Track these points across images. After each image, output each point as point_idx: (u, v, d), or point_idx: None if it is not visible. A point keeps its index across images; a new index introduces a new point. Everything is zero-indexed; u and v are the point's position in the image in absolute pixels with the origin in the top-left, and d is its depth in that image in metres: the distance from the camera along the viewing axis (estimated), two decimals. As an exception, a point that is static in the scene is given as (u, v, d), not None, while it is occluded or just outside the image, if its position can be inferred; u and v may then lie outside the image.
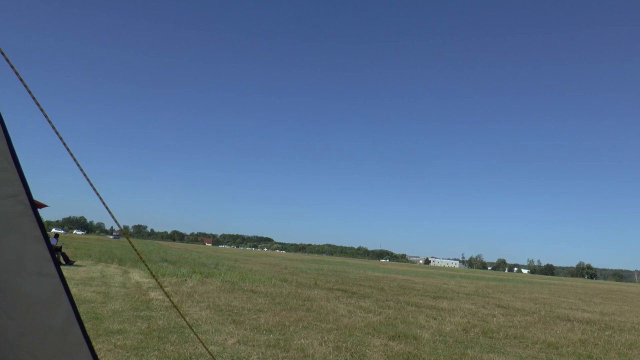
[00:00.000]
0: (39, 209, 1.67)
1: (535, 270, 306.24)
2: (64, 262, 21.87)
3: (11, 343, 1.52)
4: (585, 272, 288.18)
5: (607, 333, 12.86)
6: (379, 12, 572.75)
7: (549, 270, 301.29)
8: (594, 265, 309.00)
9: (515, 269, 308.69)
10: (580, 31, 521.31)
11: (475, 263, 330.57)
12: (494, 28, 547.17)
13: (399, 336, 9.63)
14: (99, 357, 1.78)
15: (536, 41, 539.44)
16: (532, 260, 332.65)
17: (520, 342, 10.29)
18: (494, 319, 13.92)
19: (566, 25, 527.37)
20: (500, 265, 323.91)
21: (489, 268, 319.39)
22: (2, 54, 1.66)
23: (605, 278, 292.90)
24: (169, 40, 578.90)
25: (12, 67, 1.73)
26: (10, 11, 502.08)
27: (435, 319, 12.84)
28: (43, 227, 1.67)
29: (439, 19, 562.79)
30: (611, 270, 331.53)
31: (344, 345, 8.25)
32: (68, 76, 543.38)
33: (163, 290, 2.54)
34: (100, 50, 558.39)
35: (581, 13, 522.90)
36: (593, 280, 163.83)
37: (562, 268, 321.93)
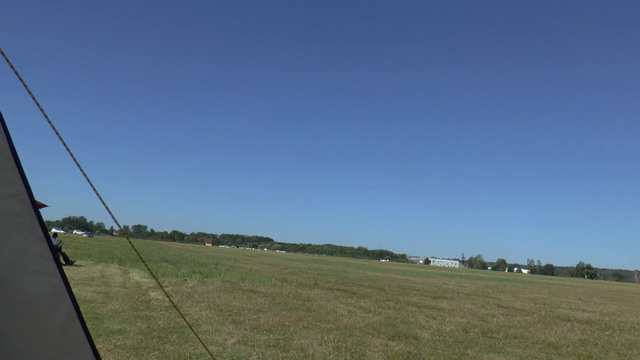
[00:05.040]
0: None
1: (535, 270, 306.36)
2: (64, 262, 21.87)
3: (12, 341, 1.52)
4: (585, 272, 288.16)
5: (607, 333, 12.86)
6: (380, 12, 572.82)
7: (549, 270, 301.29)
8: (594, 265, 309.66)
9: (515, 269, 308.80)
10: (580, 31, 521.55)
11: (475, 263, 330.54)
12: (493, 28, 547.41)
13: (399, 336, 9.62)
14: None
15: (536, 41, 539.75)
16: (532, 260, 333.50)
17: (520, 342, 10.29)
18: (494, 319, 13.92)
19: (566, 26, 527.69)
20: (500, 265, 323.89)
21: (489, 268, 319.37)
22: (2, 54, 1.66)
23: (605, 278, 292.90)
24: (169, 40, 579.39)
25: (12, 67, 1.73)
26: (10, 11, 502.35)
27: (435, 319, 12.83)
28: (44, 226, 1.66)
29: (440, 19, 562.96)
30: (611, 270, 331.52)
31: (344, 345, 8.25)
32: (68, 76, 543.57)
33: (163, 290, 2.54)
34: (100, 50, 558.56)
35: (581, 13, 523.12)
36: (593, 280, 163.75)
37: (562, 268, 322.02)
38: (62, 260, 21.78)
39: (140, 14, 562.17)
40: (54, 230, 71.77)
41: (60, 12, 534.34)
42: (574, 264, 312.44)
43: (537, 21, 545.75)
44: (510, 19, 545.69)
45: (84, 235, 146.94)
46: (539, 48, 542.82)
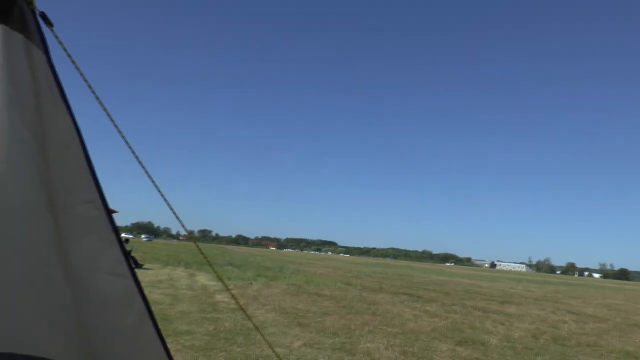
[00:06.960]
0: (109, 215, 1.74)
1: (608, 274, 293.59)
2: (133, 265, 22.60)
3: (87, 339, 1.58)
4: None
5: (689, 341, 12.18)
6: (380, 12, 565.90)
7: (623, 274, 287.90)
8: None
9: (586, 273, 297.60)
10: (582, 28, 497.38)
11: (542, 267, 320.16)
12: (494, 28, 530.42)
13: (466, 341, 9.44)
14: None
15: (536, 39, 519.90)
16: (605, 264, 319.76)
17: (594, 350, 9.89)
18: (565, 325, 13.44)
19: (567, 23, 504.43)
20: (569, 269, 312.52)
21: (558, 272, 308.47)
22: (68, 55, 1.72)
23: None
24: (169, 38, 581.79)
25: (77, 68, 1.78)
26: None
27: (502, 324, 12.52)
28: (117, 231, 1.73)
29: (440, 19, 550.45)
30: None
31: (411, 350, 8.16)
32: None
33: (230, 292, 2.57)
34: (100, 50, 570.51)
35: (581, 11, 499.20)
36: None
37: (638, 272, 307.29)
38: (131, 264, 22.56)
39: (140, 14, 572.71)
40: (123, 235, 74.21)
41: (59, 12, 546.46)
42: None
43: (537, 21, 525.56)
44: (510, 19, 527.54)
45: (144, 239, 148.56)
46: (539, 46, 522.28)
